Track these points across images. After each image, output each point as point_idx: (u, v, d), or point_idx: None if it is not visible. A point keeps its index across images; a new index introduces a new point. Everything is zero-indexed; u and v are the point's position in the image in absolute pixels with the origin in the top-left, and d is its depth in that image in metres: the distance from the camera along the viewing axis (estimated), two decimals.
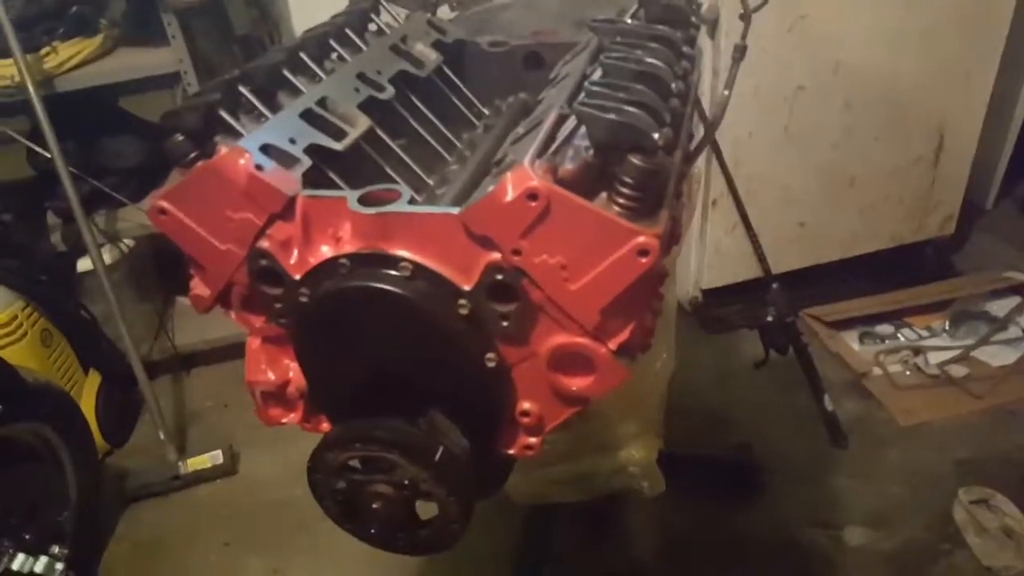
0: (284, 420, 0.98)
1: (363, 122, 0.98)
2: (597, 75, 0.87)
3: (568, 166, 0.76)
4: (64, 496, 1.80)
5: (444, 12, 2.55)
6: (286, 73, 1.00)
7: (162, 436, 2.16)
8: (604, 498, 1.70)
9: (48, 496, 1.75)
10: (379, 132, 1.04)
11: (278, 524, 2.00)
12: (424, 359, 0.83)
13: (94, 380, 2.21)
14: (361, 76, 1.05)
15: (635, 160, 0.72)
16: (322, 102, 0.97)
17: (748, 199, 2.41)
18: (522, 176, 0.72)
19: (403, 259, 0.79)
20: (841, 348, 2.49)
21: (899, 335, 2.56)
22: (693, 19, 1.06)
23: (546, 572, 1.83)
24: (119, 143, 2.30)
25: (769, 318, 2.16)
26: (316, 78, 1.05)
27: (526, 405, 0.85)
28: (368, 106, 1.03)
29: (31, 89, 1.83)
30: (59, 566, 1.53)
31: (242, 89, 0.92)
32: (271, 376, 0.95)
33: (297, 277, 0.84)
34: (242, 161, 0.83)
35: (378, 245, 0.80)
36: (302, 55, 1.04)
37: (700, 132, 1.24)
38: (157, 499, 2.11)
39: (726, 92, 1.08)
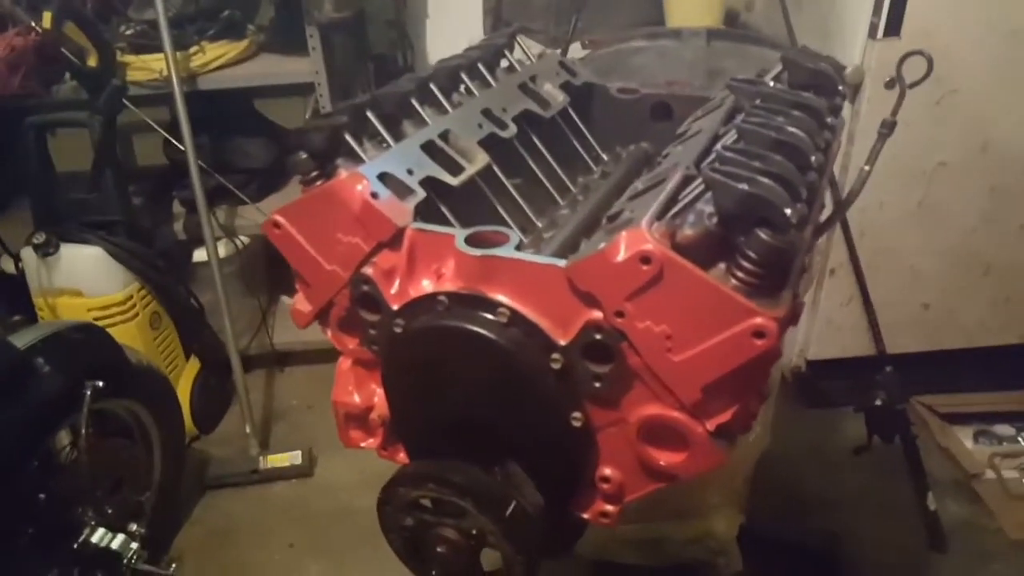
0: (363, 444, 0.98)
1: (481, 159, 0.98)
2: (731, 139, 0.83)
3: (688, 231, 0.72)
4: (148, 476, 1.86)
5: (576, 49, 2.57)
6: (414, 103, 1.00)
7: (248, 430, 2.21)
8: (674, 567, 1.62)
9: (133, 474, 1.81)
10: (496, 170, 1.03)
11: (344, 533, 2.00)
12: (509, 408, 0.80)
13: (193, 366, 2.29)
14: (486, 112, 1.05)
15: (763, 235, 0.68)
16: (444, 135, 0.97)
17: (869, 272, 2.28)
18: (638, 238, 0.69)
19: (502, 304, 0.77)
20: (952, 444, 2.31)
21: (1020, 439, 2.35)
22: (840, 87, 1.00)
23: None
24: (249, 144, 2.40)
25: (878, 402, 2.03)
26: (443, 110, 1.05)
27: (608, 471, 0.81)
28: (489, 142, 1.03)
29: (175, 84, 1.93)
30: (134, 545, 1.57)
31: (370, 115, 0.93)
32: (356, 399, 0.94)
33: (395, 307, 0.83)
34: (359, 187, 0.83)
35: (479, 287, 0.78)
36: (432, 86, 1.04)
37: (828, 201, 1.18)
38: (234, 489, 2.16)
39: (867, 168, 1.01)
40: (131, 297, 2.06)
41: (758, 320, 0.66)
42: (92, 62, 1.99)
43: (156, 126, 2.18)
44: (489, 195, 1.00)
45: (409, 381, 0.85)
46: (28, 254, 1.99)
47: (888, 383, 2.03)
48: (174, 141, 2.09)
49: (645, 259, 0.68)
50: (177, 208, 2.43)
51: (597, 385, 0.76)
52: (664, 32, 2.27)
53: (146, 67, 2.09)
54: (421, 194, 0.87)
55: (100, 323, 2.01)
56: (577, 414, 0.78)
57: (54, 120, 1.99)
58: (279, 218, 0.88)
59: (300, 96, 2.35)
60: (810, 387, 2.51)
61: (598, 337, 0.74)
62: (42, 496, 1.57)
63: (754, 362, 0.68)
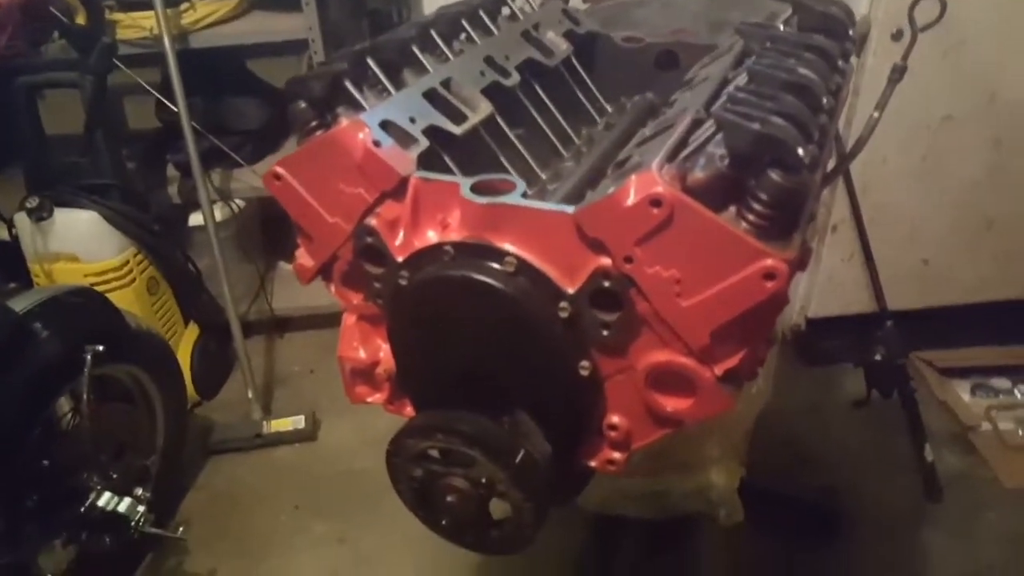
0: (369, 399, 0.97)
1: (484, 107, 0.96)
2: (742, 80, 0.81)
3: (698, 174, 0.70)
4: (152, 441, 1.86)
5: (577, 2, 2.52)
6: (415, 50, 0.98)
7: (250, 395, 2.21)
8: (675, 519, 1.63)
9: (137, 439, 1.81)
10: (499, 119, 1.01)
11: (348, 493, 2.02)
12: (516, 358, 0.80)
13: (192, 332, 2.29)
14: (488, 60, 1.03)
15: (775, 176, 0.66)
16: (446, 83, 0.95)
17: (871, 228, 2.27)
18: (648, 181, 0.67)
19: (508, 253, 0.76)
20: (950, 397, 2.32)
21: (1016, 392, 2.36)
22: (850, 32, 0.98)
23: None
24: (242, 104, 2.36)
25: (877, 357, 2.03)
26: (444, 58, 1.03)
27: (615, 419, 0.81)
28: (491, 91, 1.01)
29: (167, 42, 1.89)
30: (140, 508, 1.57)
31: (370, 62, 0.91)
32: (362, 354, 0.94)
33: (400, 259, 0.82)
34: (361, 135, 0.81)
35: (485, 236, 0.77)
36: (433, 33, 1.02)
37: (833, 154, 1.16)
38: (238, 454, 2.17)
39: (876, 114, 0.99)
40: (127, 262, 2.05)
41: (769, 262, 0.65)
42: (81, 20, 1.95)
43: (148, 87, 2.15)
44: (492, 145, 0.99)
45: (415, 333, 0.84)
46: (22, 219, 1.97)
47: (888, 338, 2.04)
48: (166, 102, 2.06)
49: (656, 202, 0.67)
50: (171, 172, 2.40)
51: (605, 333, 0.75)
52: None
53: (136, 24, 2.05)
54: (424, 143, 0.85)
55: (98, 288, 2.00)
56: (585, 363, 0.78)
57: (44, 81, 1.96)
58: (280, 169, 0.87)
59: (294, 55, 2.31)
60: (810, 345, 2.51)
61: (606, 284, 0.73)
62: (46, 462, 1.57)
63: (763, 305, 0.67)
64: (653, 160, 0.70)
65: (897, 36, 2.00)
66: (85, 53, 1.91)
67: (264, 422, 2.17)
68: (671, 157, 0.72)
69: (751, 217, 0.69)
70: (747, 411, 1.65)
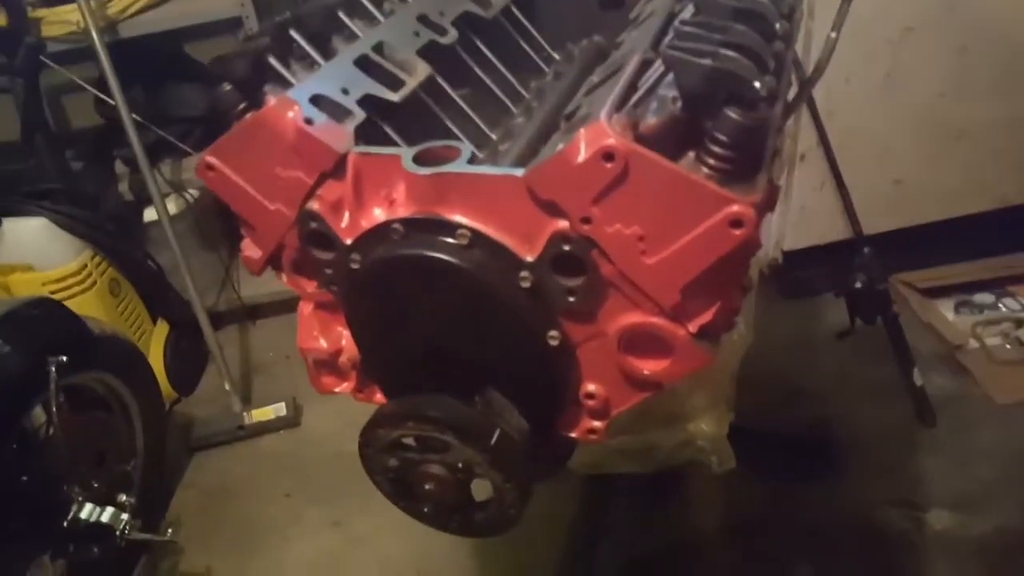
0: (337, 389, 0.93)
1: (422, 70, 0.90)
2: (688, 13, 0.76)
3: (651, 120, 0.66)
4: (131, 445, 1.81)
5: None
6: (342, 16, 0.92)
7: (227, 387, 2.17)
8: (668, 471, 1.61)
9: (116, 445, 1.76)
10: (439, 81, 0.95)
11: (338, 477, 1.99)
12: (482, 334, 0.76)
13: (162, 329, 2.23)
14: (422, 18, 0.96)
15: (732, 114, 0.62)
16: (379, 48, 0.89)
17: (840, 153, 2.23)
18: (598, 133, 0.63)
19: (460, 225, 0.71)
20: (934, 318, 2.31)
21: (1000, 305, 2.36)
22: None
23: (602, 544, 1.77)
24: (184, 91, 2.28)
25: (858, 284, 2.01)
26: (375, 21, 0.97)
27: (591, 387, 0.77)
28: (429, 51, 0.95)
29: (95, 35, 1.80)
30: (124, 516, 1.54)
31: (294, 33, 0.85)
32: (323, 344, 0.89)
33: (348, 242, 0.77)
34: (291, 114, 0.76)
35: (434, 209, 0.72)
36: None
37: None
38: (223, 448, 2.13)
39: (833, 34, 0.94)
40: (85, 266, 1.98)
41: (735, 208, 0.61)
42: (1, 21, 1.85)
43: (83, 83, 2.05)
44: (435, 109, 0.93)
45: (374, 318, 0.80)
46: None
47: (867, 264, 2.01)
48: (104, 97, 1.97)
49: (608, 155, 0.62)
50: (120, 168, 2.32)
51: (571, 299, 0.71)
52: None
53: (61, 19, 1.95)
54: (360, 115, 0.79)
55: (57, 296, 1.93)
56: (553, 332, 0.74)
57: None
58: (211, 159, 0.81)
59: (231, 34, 2.21)
60: (788, 278, 2.49)
61: (566, 248, 0.69)
62: (24, 478, 1.53)
63: (733, 254, 0.63)
64: (601, 110, 0.65)
65: None
66: (11, 56, 1.82)
67: (245, 413, 2.13)
68: (620, 104, 0.67)
69: (711, 161, 0.64)
70: (730, 357, 1.63)
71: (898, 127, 2.27)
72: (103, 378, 1.71)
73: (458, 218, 0.71)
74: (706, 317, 0.68)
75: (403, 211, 0.74)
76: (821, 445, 1.94)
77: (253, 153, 0.79)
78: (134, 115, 1.96)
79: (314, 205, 0.77)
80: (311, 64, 0.86)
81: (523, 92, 1.09)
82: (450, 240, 0.71)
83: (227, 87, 0.82)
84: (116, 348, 1.74)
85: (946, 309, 2.36)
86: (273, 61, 0.81)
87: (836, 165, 2.13)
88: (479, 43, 1.06)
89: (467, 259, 0.71)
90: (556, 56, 1.19)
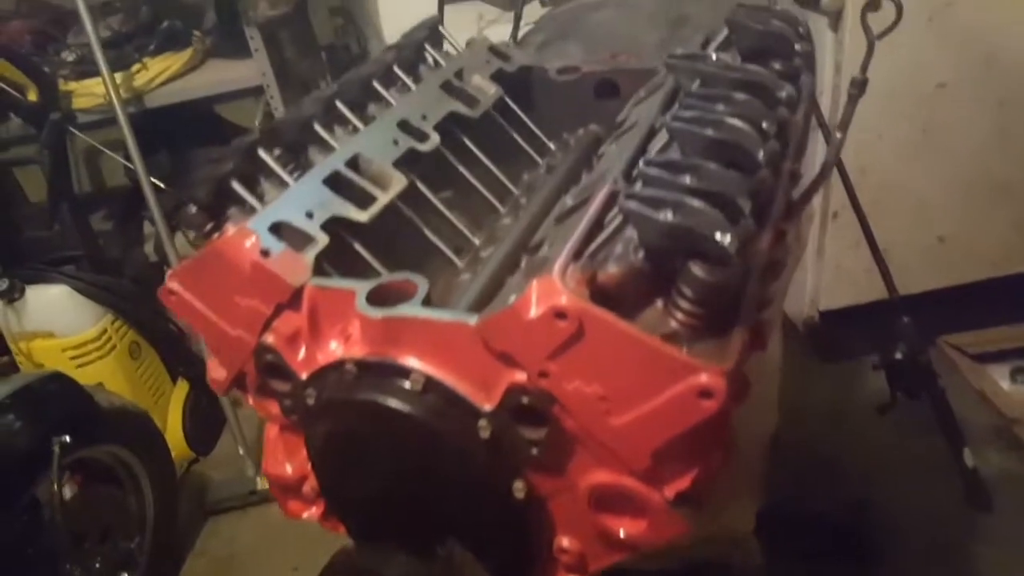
0: (304, 515, 0.89)
1: (398, 182, 0.86)
2: (661, 142, 0.71)
3: (612, 269, 0.60)
4: (141, 517, 1.80)
5: (535, 8, 2.41)
6: (317, 128, 0.89)
7: (241, 451, 2.14)
8: (685, 568, 1.52)
9: (123, 520, 1.75)
10: (420, 187, 0.91)
11: None
12: (442, 483, 0.70)
13: (182, 389, 2.22)
14: (403, 124, 0.93)
15: (697, 272, 0.56)
16: (353, 161, 0.85)
17: (875, 210, 2.12)
18: (549, 290, 0.57)
19: (414, 370, 0.66)
20: (987, 386, 2.17)
21: None
22: (797, 46, 0.87)
23: None
24: (210, 154, 2.29)
25: (898, 355, 1.89)
26: (355, 129, 0.93)
27: (565, 541, 0.71)
28: (410, 158, 0.91)
29: (118, 108, 1.81)
30: None
31: (262, 153, 0.82)
32: (288, 470, 0.85)
33: (304, 376, 0.73)
34: (248, 244, 0.73)
35: (386, 352, 0.68)
36: (339, 103, 0.92)
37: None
38: (235, 512, 2.10)
39: (839, 135, 0.88)
40: (105, 331, 1.98)
41: (702, 379, 0.55)
42: (33, 96, 1.89)
43: (107, 150, 2.08)
44: (414, 218, 0.89)
45: (332, 456, 0.75)
46: None
47: (906, 333, 1.90)
48: (124, 161, 1.99)
49: (560, 314, 0.57)
50: (148, 228, 2.34)
51: (534, 452, 0.66)
52: None
53: (90, 92, 1.99)
54: (323, 241, 0.76)
55: (77, 361, 1.95)
56: (519, 484, 0.68)
57: (2, 160, 1.90)
58: (172, 284, 0.79)
59: (257, 97, 2.23)
60: (825, 339, 2.38)
61: (525, 401, 0.63)
62: (30, 551, 1.52)
63: (703, 425, 0.57)
64: (558, 258, 0.60)
65: (873, 5, 1.85)
66: (40, 129, 1.85)
67: (258, 478, 2.10)
68: (580, 250, 0.61)
69: (679, 315, 0.59)
70: (755, 446, 1.53)
71: (938, 183, 2.16)
72: (113, 451, 1.70)
73: (411, 362, 0.67)
74: (682, 483, 0.62)
75: (357, 350, 0.69)
76: (861, 530, 1.81)
77: (213, 281, 0.76)
78: (156, 179, 1.98)
79: (269, 338, 0.74)
80: (281, 182, 0.83)
81: (512, 188, 1.05)
82: (403, 384, 0.67)
83: (193, 210, 0.79)
84: (127, 421, 1.74)
85: (1000, 376, 2.21)
86: (237, 186, 0.78)
87: (867, 225, 2.02)
88: (467, 140, 1.02)
89: (421, 406, 0.66)
90: (552, 145, 1.15)
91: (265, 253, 0.72)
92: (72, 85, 2.01)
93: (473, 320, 0.62)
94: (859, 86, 0.87)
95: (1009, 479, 1.90)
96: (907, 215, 2.20)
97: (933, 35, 1.94)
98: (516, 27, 2.06)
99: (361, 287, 0.69)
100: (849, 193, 2.01)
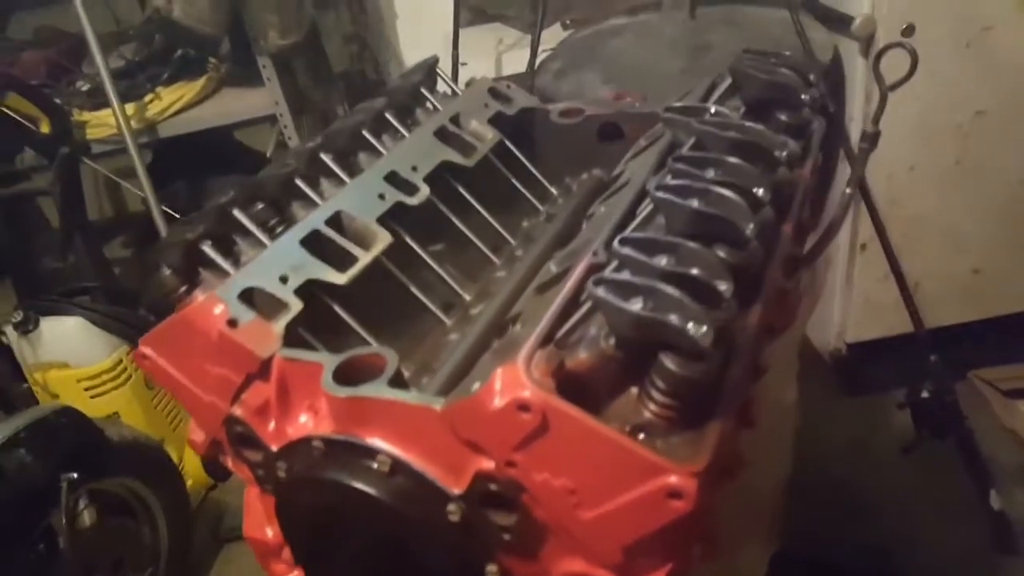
0: None
1: (381, 240, 0.84)
2: (648, 208, 0.67)
3: (582, 355, 0.57)
4: (155, 547, 1.79)
5: (556, 30, 2.38)
6: (300, 184, 0.86)
7: None
8: None
9: (136, 551, 1.75)
10: (409, 241, 0.89)
11: None
12: (413, 565, 0.67)
13: None
14: (391, 177, 0.90)
15: (669, 364, 0.52)
16: (335, 219, 0.83)
17: (907, 243, 2.06)
18: (512, 381, 0.54)
19: (380, 451, 0.63)
20: (1019, 424, 2.08)
21: None
22: (805, 96, 0.82)
23: None
24: (227, 182, 2.30)
25: (924, 394, 1.82)
26: (341, 182, 0.91)
27: None
28: (398, 211, 0.88)
29: (128, 140, 1.83)
30: None
31: (238, 214, 0.79)
32: (269, 534, 0.82)
33: (274, 448, 0.70)
34: (216, 312, 0.70)
35: (353, 431, 0.65)
36: (324, 157, 0.90)
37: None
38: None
39: (848, 191, 0.83)
40: (120, 362, 1.99)
41: (672, 479, 0.51)
42: (45, 128, 1.90)
43: (121, 180, 2.09)
44: (399, 276, 0.86)
45: (304, 531, 0.73)
46: (11, 331, 1.93)
47: (934, 371, 1.83)
48: (134, 189, 2.00)
49: (523, 407, 0.53)
50: None
51: (506, 537, 0.62)
52: (645, 5, 2.07)
53: (103, 123, 2.00)
54: (296, 307, 0.73)
55: (92, 392, 1.96)
56: (492, 567, 0.65)
57: (17, 192, 1.92)
58: (145, 349, 0.77)
59: (273, 124, 2.23)
60: (853, 372, 2.30)
61: (494, 488, 0.60)
62: None
63: (673, 525, 0.53)
64: (526, 342, 0.56)
65: (908, 31, 1.79)
66: (52, 160, 1.87)
67: None
68: (549, 335, 0.58)
69: (652, 407, 0.55)
70: (769, 489, 1.47)
71: (973, 214, 2.08)
72: (125, 483, 1.70)
73: (378, 443, 0.64)
74: None
75: (325, 426, 0.67)
76: (881, 575, 1.75)
77: (184, 347, 0.74)
78: (172, 209, 1.99)
79: (238, 411, 0.71)
80: (259, 242, 0.81)
81: (510, 238, 1.01)
82: (371, 465, 0.64)
83: (166, 271, 0.77)
84: (138, 453, 1.73)
85: None
86: (208, 250, 0.76)
87: (894, 258, 1.95)
88: (462, 189, 0.99)
89: (388, 488, 0.63)
90: (554, 191, 1.12)
91: (232, 323, 0.70)
92: (86, 115, 2.03)
93: (439, 405, 0.59)
94: (870, 140, 0.83)
95: None
96: (940, 247, 2.12)
97: (971, 61, 1.87)
98: (534, 54, 2.05)
99: (329, 361, 0.66)
100: (876, 226, 1.95)
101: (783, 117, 0.80)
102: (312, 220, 0.81)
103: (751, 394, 0.69)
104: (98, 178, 2.37)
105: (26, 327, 1.87)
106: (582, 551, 0.60)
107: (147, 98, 2.02)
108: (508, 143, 1.08)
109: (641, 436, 0.55)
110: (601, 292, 0.53)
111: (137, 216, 2.57)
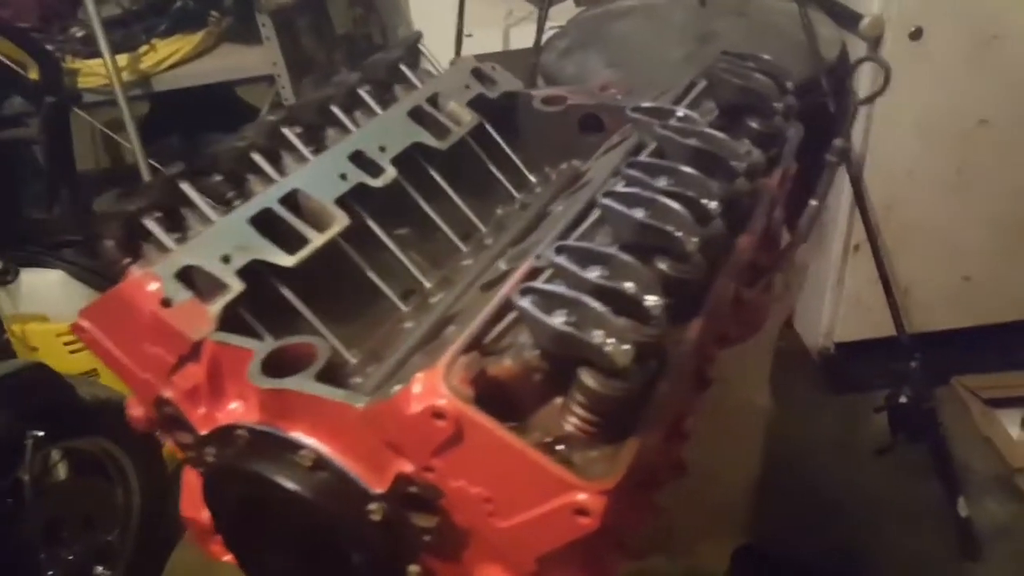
0: (225, 558, 0.85)
1: (339, 222, 0.82)
2: (594, 219, 0.65)
3: (507, 362, 0.55)
4: (124, 512, 1.79)
5: (569, 5, 2.33)
6: (256, 158, 0.84)
7: None
8: None
9: (105, 512, 1.75)
10: (371, 224, 0.87)
11: None
12: (337, 560, 0.66)
13: None
14: (356, 156, 0.88)
15: (588, 380, 0.51)
16: (290, 197, 0.81)
17: (900, 247, 2.05)
18: (428, 387, 0.53)
19: (304, 446, 0.62)
20: (996, 433, 2.07)
21: None
22: (779, 104, 0.80)
23: None
24: (219, 140, 2.27)
25: (903, 399, 1.82)
26: (303, 158, 0.89)
27: None
28: (361, 193, 0.86)
29: (118, 91, 1.80)
30: None
31: (186, 188, 0.78)
32: (204, 516, 0.81)
33: (203, 433, 0.69)
34: (151, 289, 0.69)
35: (277, 423, 0.63)
36: (286, 131, 0.88)
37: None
38: None
39: (814, 203, 0.81)
40: None
41: (579, 497, 0.50)
42: (34, 74, 1.87)
43: (110, 132, 2.07)
44: (357, 260, 0.84)
45: (232, 519, 0.72)
46: None
47: (913, 378, 1.82)
48: (122, 141, 1.97)
49: (438, 414, 0.52)
50: None
51: (427, 538, 0.61)
52: None
53: (95, 72, 1.97)
54: (237, 288, 0.72)
55: (72, 347, 1.95)
56: (414, 568, 0.64)
57: (2, 139, 1.90)
58: (83, 322, 0.75)
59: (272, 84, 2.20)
60: (839, 371, 2.29)
61: (413, 490, 0.59)
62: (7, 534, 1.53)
63: (583, 541, 0.52)
64: (450, 347, 0.55)
65: (916, 35, 1.75)
66: (39, 108, 1.84)
67: None
68: (475, 340, 0.56)
69: (573, 420, 0.54)
70: (735, 486, 1.47)
71: (970, 223, 2.06)
72: (97, 442, 1.70)
73: (301, 437, 0.62)
74: None
75: (253, 415, 0.65)
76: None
77: (119, 323, 0.73)
78: (158, 162, 1.97)
79: (168, 392, 0.70)
80: (207, 218, 0.79)
81: (480, 226, 0.99)
82: (293, 459, 0.63)
83: (108, 243, 0.76)
84: (112, 413, 1.73)
85: (1011, 423, 2.11)
86: (150, 223, 0.74)
87: (882, 263, 1.93)
88: (433, 173, 0.97)
89: (310, 483, 0.62)
90: (532, 179, 1.10)
91: (167, 303, 0.68)
92: (78, 63, 1.99)
93: (361, 404, 0.58)
94: (840, 154, 0.80)
95: (1004, 531, 1.82)
96: (933, 253, 2.10)
97: (977, 70, 1.83)
98: (540, 30, 2.01)
99: (260, 348, 0.65)
100: (867, 229, 1.93)
101: (754, 124, 0.78)
102: (265, 197, 0.79)
103: (692, 406, 0.67)
104: (94, 128, 2.34)
105: (5, 277, 1.86)
106: (500, 558, 0.59)
107: (142, 49, 1.98)
108: (488, 127, 1.06)
109: (560, 448, 0.54)
110: (525, 303, 0.51)
111: (134, 169, 2.55)
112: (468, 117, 1.02)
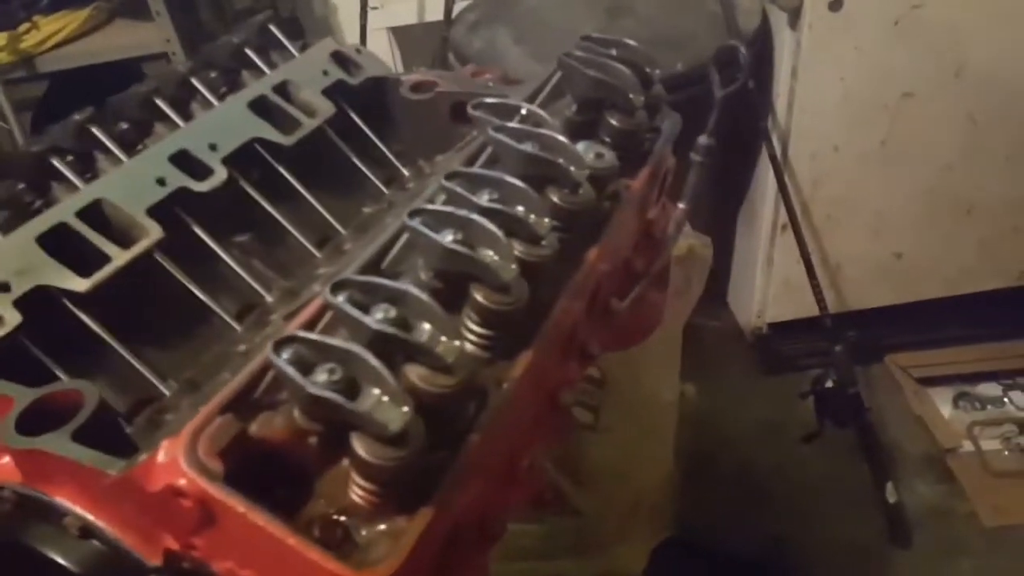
0: None
1: (150, 235, 0.72)
2: (402, 244, 0.57)
3: (279, 419, 0.47)
4: None
5: None
6: (56, 164, 0.74)
7: None
8: None
9: None
10: (200, 234, 0.78)
11: None
12: None
13: None
14: (179, 157, 0.78)
15: (360, 451, 0.43)
16: (91, 209, 0.71)
17: (829, 224, 2.01)
18: (168, 462, 0.44)
19: (69, 512, 0.53)
20: (927, 412, 2.05)
21: (1007, 399, 2.09)
22: (633, 96, 0.71)
23: None
24: None
25: (828, 384, 1.78)
26: (117, 161, 0.79)
27: None
28: (186, 198, 0.77)
29: None
30: None
31: None
32: None
33: None
34: None
35: (39, 485, 0.54)
36: (96, 131, 0.77)
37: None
38: None
39: (681, 206, 0.73)
40: None
41: None
42: None
43: None
44: (179, 276, 0.75)
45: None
46: None
47: (838, 362, 1.78)
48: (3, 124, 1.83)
49: (179, 493, 0.44)
50: None
51: None
52: None
53: None
54: (13, 321, 0.62)
55: None
56: None
57: None
58: None
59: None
60: (772, 351, 2.25)
61: (186, 566, 0.50)
62: None
63: None
64: (202, 409, 0.46)
65: (836, 5, 1.68)
66: None
67: None
68: (240, 395, 0.48)
69: (357, 489, 0.46)
70: (648, 486, 1.41)
71: (898, 198, 2.01)
72: None
73: (66, 503, 0.54)
74: None
75: (17, 475, 0.56)
76: (773, 570, 1.71)
77: None
78: None
79: None
80: None
81: (340, 229, 0.90)
82: (57, 526, 0.54)
83: None
84: None
85: (943, 401, 2.09)
86: None
87: (804, 243, 1.88)
88: (282, 171, 0.87)
89: (77, 555, 0.54)
90: (406, 172, 1.00)
91: None
92: None
93: (115, 470, 0.49)
94: (704, 152, 0.73)
95: (934, 514, 1.81)
96: (863, 229, 2.05)
97: (899, 41, 1.77)
98: (450, 2, 1.90)
99: (22, 396, 0.56)
100: (788, 210, 1.88)
101: (614, 121, 0.69)
102: (59, 211, 0.69)
103: (538, 437, 0.60)
104: None
105: None
106: None
107: (22, 27, 1.83)
108: (354, 116, 0.96)
109: (343, 520, 0.47)
110: (281, 363, 0.42)
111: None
112: (323, 107, 0.92)
